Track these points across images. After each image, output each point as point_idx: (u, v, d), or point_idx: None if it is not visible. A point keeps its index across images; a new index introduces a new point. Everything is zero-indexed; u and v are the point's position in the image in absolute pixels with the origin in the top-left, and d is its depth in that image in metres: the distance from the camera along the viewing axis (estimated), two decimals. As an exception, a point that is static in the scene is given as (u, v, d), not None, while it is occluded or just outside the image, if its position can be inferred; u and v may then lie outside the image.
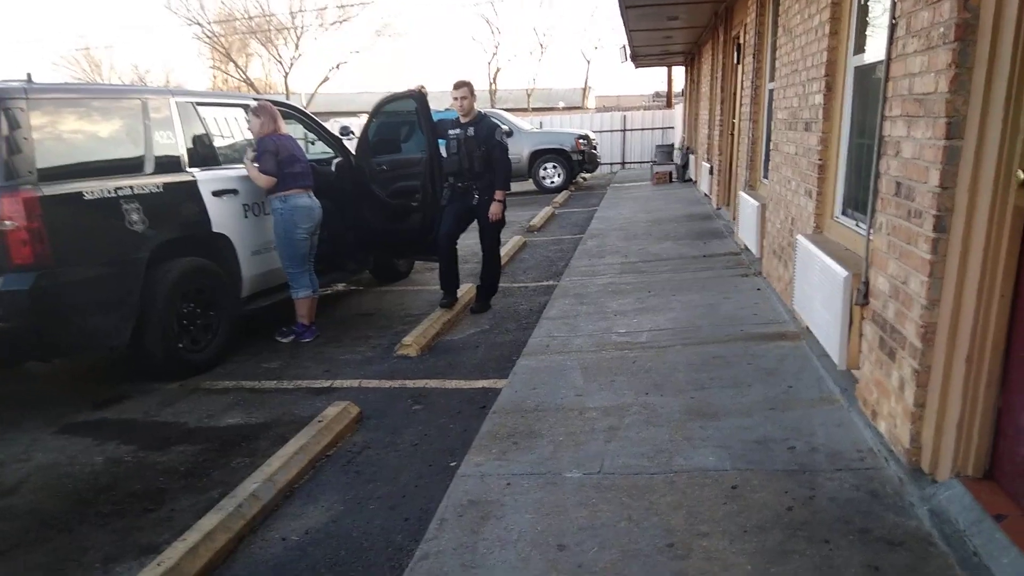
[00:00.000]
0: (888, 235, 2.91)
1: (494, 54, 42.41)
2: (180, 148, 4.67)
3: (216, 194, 4.80)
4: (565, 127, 19.32)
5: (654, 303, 5.46)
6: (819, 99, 4.26)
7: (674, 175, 15.58)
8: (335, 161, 6.28)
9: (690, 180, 14.80)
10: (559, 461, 3.04)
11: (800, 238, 4.27)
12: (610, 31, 55.70)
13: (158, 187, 4.39)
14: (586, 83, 43.33)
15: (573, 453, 3.10)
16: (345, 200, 6.04)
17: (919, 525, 2.39)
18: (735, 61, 8.60)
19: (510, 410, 3.63)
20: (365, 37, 71.11)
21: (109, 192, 4.09)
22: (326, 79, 38.06)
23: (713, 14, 9.77)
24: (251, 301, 5.22)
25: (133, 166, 4.34)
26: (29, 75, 4.08)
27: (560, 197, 13.90)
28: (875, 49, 3.57)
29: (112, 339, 4.18)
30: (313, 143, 6.53)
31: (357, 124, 11.13)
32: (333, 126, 7.20)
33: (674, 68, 21.49)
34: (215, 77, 37.88)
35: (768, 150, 6.18)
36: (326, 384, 4.39)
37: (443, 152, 5.75)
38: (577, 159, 15.32)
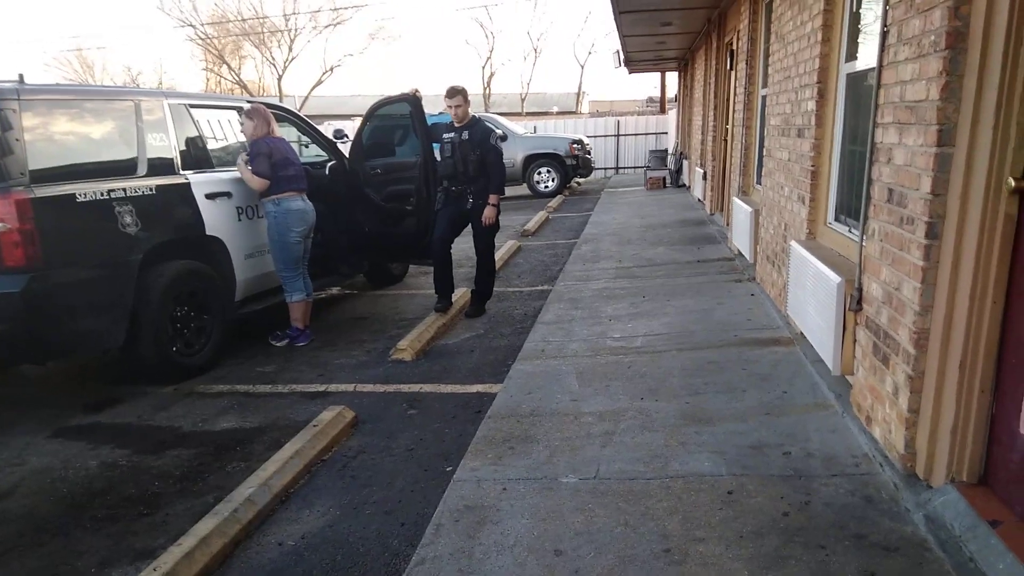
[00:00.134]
0: (881, 241, 2.93)
1: (488, 58, 42.25)
2: (173, 150, 4.65)
3: (209, 197, 4.79)
4: (559, 132, 19.28)
5: (648, 308, 5.48)
6: (812, 105, 4.29)
7: (668, 180, 15.62)
8: (329, 164, 6.27)
9: (684, 185, 14.86)
10: (555, 466, 3.04)
11: (793, 244, 4.29)
12: (604, 36, 55.82)
13: (151, 189, 4.38)
14: (580, 88, 43.51)
15: (569, 458, 3.10)
16: (339, 203, 6.03)
17: (915, 531, 2.40)
18: (728, 67, 8.65)
19: (505, 415, 3.63)
20: (359, 40, 71.20)
21: (102, 194, 4.07)
22: (320, 82, 38.08)
23: (706, 20, 9.82)
24: (245, 304, 5.20)
25: (126, 168, 4.33)
26: (21, 76, 4.06)
27: (554, 202, 13.94)
28: (867, 56, 3.60)
29: (106, 341, 4.16)
30: (307, 146, 6.51)
31: (351, 127, 11.15)
32: (327, 129, 7.17)
33: (668, 74, 21.62)
34: (208, 79, 37.81)
35: (761, 156, 6.21)
36: (321, 388, 4.39)
37: (437, 156, 5.76)
38: (571, 164, 15.35)
